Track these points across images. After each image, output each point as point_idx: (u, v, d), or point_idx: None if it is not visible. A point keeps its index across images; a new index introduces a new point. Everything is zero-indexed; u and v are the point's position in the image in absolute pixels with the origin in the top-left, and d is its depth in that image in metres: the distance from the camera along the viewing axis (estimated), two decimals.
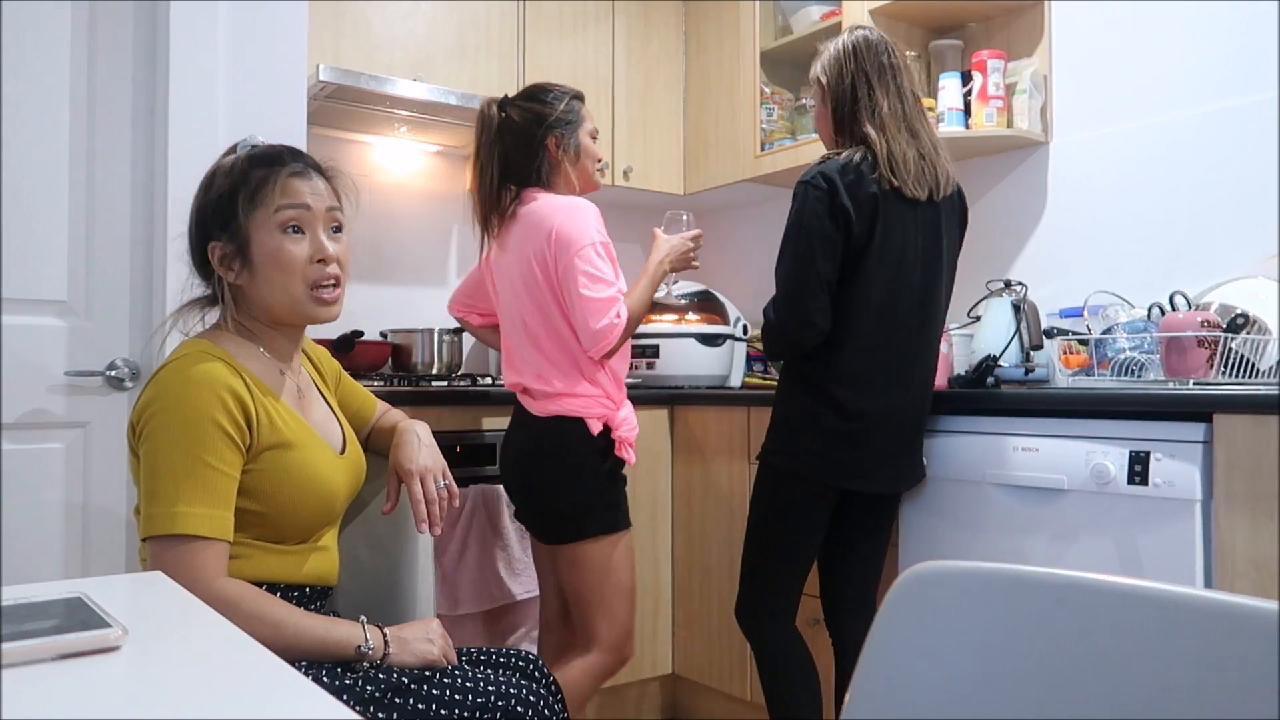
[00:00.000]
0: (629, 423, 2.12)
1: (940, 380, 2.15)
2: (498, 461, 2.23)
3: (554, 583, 2.26)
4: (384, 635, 1.36)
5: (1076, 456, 1.86)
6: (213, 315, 1.48)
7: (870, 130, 1.92)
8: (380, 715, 1.28)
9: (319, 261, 1.41)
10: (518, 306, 2.10)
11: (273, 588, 1.37)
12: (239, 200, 1.38)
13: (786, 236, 1.93)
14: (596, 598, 2.09)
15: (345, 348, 2.68)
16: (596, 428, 2.05)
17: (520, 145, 2.12)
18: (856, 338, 1.92)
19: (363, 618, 1.39)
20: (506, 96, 2.19)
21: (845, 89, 1.96)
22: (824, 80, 2.01)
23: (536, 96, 2.15)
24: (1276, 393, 1.61)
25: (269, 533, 1.37)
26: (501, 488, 2.49)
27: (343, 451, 1.50)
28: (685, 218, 2.24)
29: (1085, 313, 2.29)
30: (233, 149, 1.45)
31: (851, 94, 1.95)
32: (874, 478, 1.96)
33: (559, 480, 2.06)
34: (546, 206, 2.06)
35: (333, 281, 1.42)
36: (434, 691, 1.33)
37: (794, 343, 1.94)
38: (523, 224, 2.08)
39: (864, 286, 1.90)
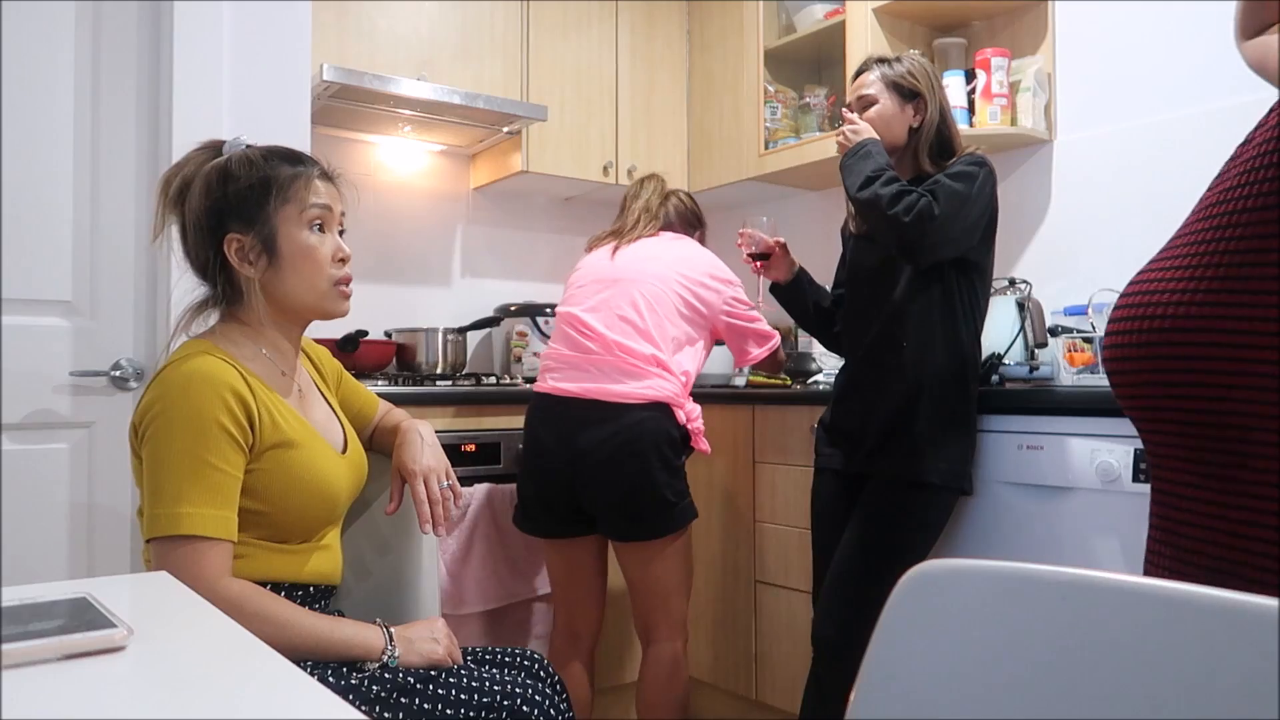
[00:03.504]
0: (697, 413, 2.23)
1: None
2: (576, 461, 2.11)
3: (597, 586, 2.29)
4: (389, 635, 1.37)
5: (1081, 454, 1.86)
6: (213, 315, 1.47)
7: (960, 144, 2.05)
8: (386, 715, 1.28)
9: (340, 261, 1.45)
10: (660, 305, 2.19)
11: (276, 587, 1.37)
12: (271, 194, 1.39)
13: (967, 179, 1.90)
14: (682, 584, 2.20)
15: (349, 347, 2.68)
16: (681, 418, 2.16)
17: (687, 222, 2.46)
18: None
19: (379, 620, 1.39)
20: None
21: (939, 106, 2.03)
22: (919, 86, 2.02)
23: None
24: None
25: (272, 532, 1.37)
26: (513, 487, 2.50)
27: (344, 451, 1.50)
28: (766, 221, 2.30)
29: (1090, 311, 2.28)
30: (215, 149, 1.44)
31: (943, 115, 2.03)
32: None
33: (663, 469, 2.10)
34: (698, 248, 2.36)
35: (349, 279, 1.47)
36: (440, 691, 1.33)
37: (934, 246, 1.87)
38: (670, 248, 2.30)
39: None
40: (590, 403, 2.10)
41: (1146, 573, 1.31)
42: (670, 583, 2.16)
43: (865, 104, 2.05)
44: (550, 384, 2.19)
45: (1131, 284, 1.33)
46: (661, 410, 2.11)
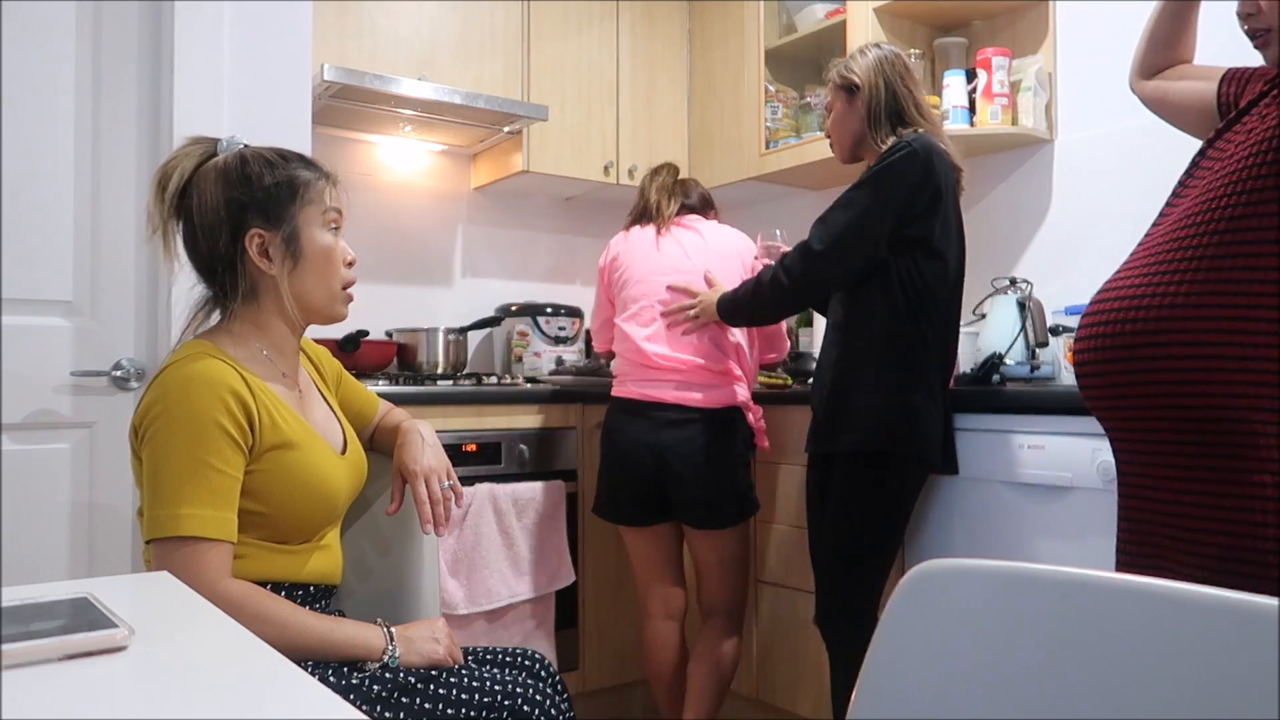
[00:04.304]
0: (760, 413, 2.42)
1: None
2: (663, 457, 2.28)
3: (677, 564, 2.46)
4: (390, 635, 1.37)
5: (1082, 454, 1.86)
6: (214, 315, 1.47)
7: (924, 124, 2.06)
8: (387, 715, 1.28)
9: (347, 265, 1.48)
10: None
11: (276, 587, 1.37)
12: (297, 195, 1.41)
13: (866, 184, 1.98)
14: (745, 568, 2.44)
15: (350, 347, 2.68)
16: (750, 419, 2.37)
17: (705, 204, 2.57)
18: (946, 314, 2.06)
19: (380, 620, 1.39)
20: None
21: (881, 86, 2.06)
22: (855, 79, 2.09)
23: None
24: None
25: (271, 533, 1.37)
26: (514, 487, 2.51)
27: (344, 452, 1.50)
28: (779, 233, 2.43)
29: None
30: (207, 145, 1.44)
31: (889, 91, 2.06)
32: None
33: (739, 465, 2.33)
34: (737, 233, 2.51)
35: (354, 283, 1.50)
36: (440, 691, 1.33)
37: (833, 267, 2.01)
38: (719, 236, 2.45)
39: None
40: (675, 406, 2.29)
41: (1119, 570, 1.32)
42: (735, 566, 2.40)
43: (828, 111, 2.18)
44: (635, 390, 2.34)
45: (1105, 289, 1.35)
46: (737, 413, 2.33)
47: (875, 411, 1.96)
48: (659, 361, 2.31)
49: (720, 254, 2.41)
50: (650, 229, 2.45)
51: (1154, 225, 1.38)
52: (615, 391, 2.40)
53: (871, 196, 1.96)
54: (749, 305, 2.16)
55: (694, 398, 2.29)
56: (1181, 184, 1.38)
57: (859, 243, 1.97)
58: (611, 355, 2.66)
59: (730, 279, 2.34)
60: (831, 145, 2.21)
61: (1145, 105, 1.74)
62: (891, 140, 2.02)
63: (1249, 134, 1.27)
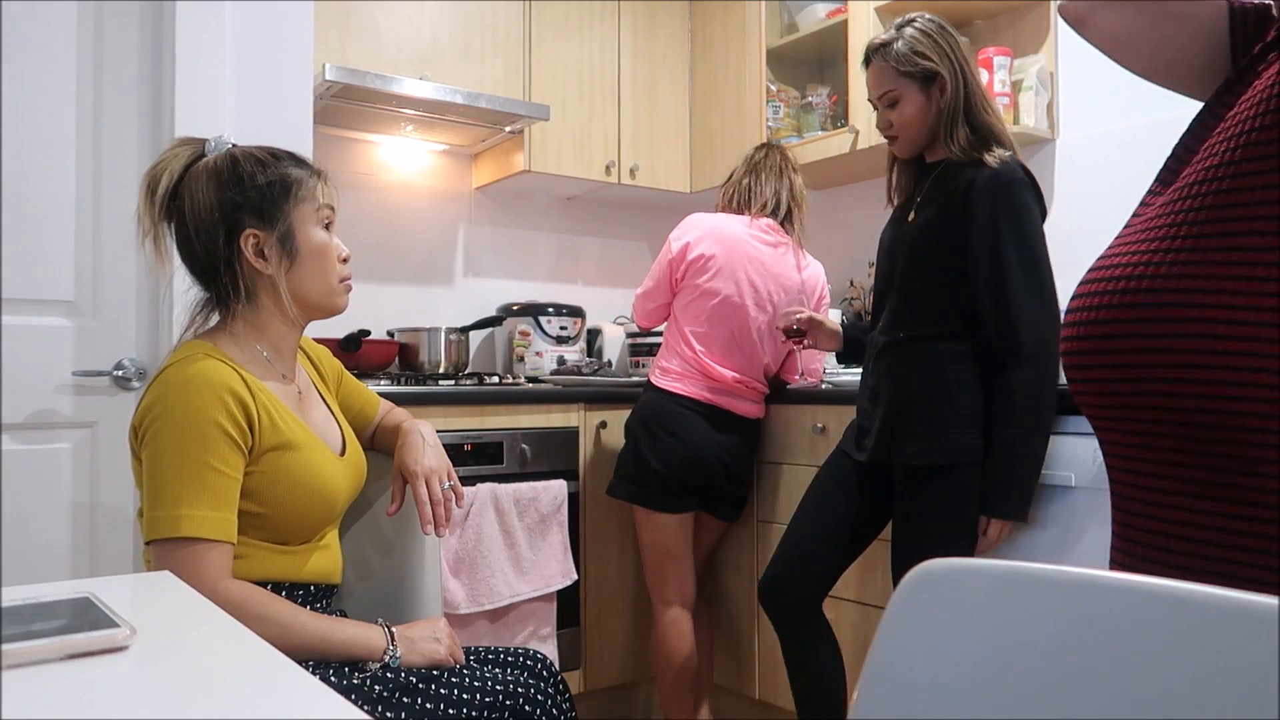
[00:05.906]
0: None
1: None
2: (706, 458, 2.45)
3: (690, 550, 2.56)
4: (391, 635, 1.37)
5: (1084, 453, 1.86)
6: (214, 315, 1.47)
7: (994, 121, 1.88)
8: (389, 715, 1.28)
9: (342, 261, 1.48)
10: (780, 349, 2.54)
11: (277, 587, 1.37)
12: (290, 193, 1.41)
13: (1027, 243, 1.90)
14: None
15: (352, 347, 2.68)
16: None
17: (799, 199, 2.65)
18: None
19: (381, 620, 1.40)
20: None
21: (960, 78, 1.85)
22: (934, 64, 1.84)
23: None
24: None
25: (271, 534, 1.37)
26: (516, 487, 2.51)
27: (343, 453, 1.50)
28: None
29: None
30: (194, 146, 1.44)
31: (966, 87, 1.85)
32: None
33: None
34: (815, 273, 2.61)
35: (350, 277, 1.51)
36: (442, 691, 1.33)
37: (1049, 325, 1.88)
38: (797, 256, 2.56)
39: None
40: (729, 412, 2.49)
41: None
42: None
43: (889, 102, 1.91)
44: (695, 391, 2.46)
45: (1089, 271, 1.20)
46: (759, 422, 2.59)
47: (932, 422, 1.86)
48: (721, 375, 2.45)
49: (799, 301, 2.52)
50: (753, 236, 2.50)
51: (1150, 195, 1.22)
52: (668, 386, 2.47)
53: (1035, 259, 1.92)
54: (1036, 442, 1.82)
55: (744, 407, 2.50)
56: (1184, 146, 1.19)
57: (1053, 296, 1.92)
58: (648, 330, 2.81)
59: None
60: (894, 141, 1.95)
61: (1068, 21, 1.42)
62: (967, 146, 1.84)
63: (1253, 92, 1.06)
